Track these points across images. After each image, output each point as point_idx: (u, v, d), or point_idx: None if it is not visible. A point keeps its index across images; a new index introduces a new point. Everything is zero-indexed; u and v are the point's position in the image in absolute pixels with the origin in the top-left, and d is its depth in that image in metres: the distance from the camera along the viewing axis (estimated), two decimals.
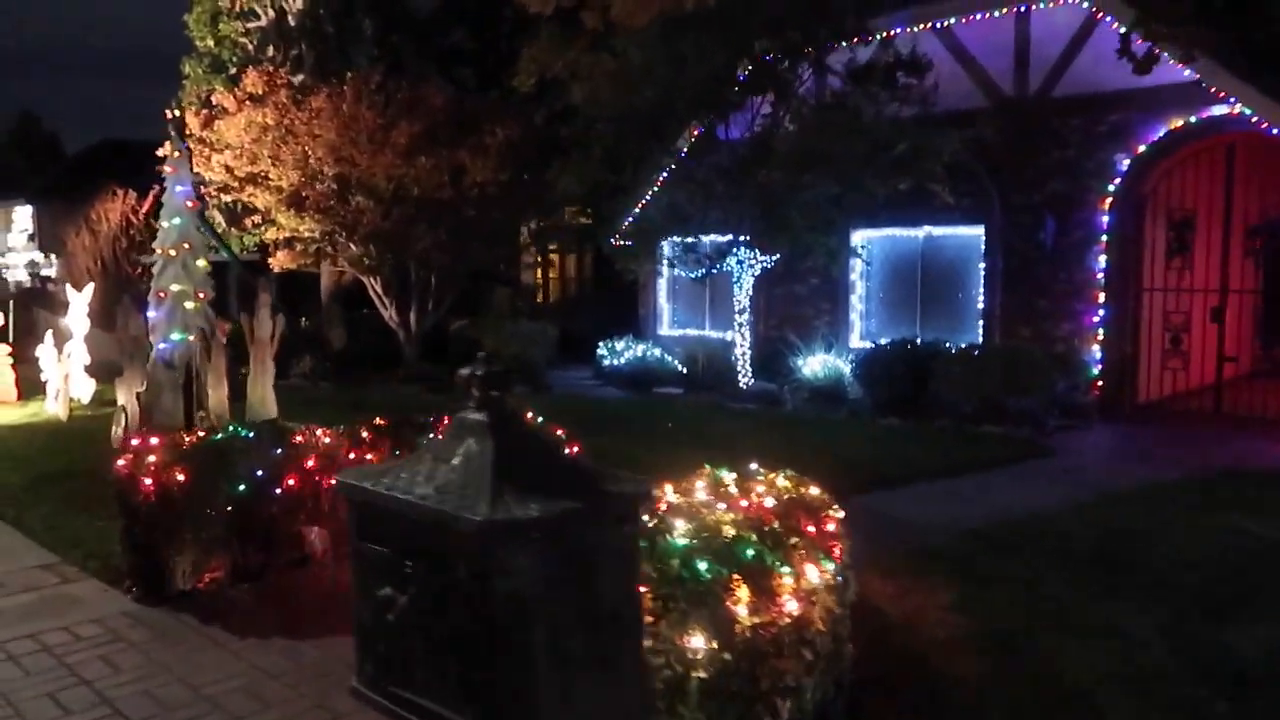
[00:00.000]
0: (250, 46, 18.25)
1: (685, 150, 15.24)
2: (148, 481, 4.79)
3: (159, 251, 9.84)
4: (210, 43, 17.85)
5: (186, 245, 9.63)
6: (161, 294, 9.72)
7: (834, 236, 14.03)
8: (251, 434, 5.07)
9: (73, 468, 8.29)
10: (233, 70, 17.92)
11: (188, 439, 5.06)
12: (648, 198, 16.39)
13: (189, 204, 9.75)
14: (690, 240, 14.88)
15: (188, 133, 15.80)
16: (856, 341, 15.24)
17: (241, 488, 4.93)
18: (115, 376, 9.55)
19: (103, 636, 4.53)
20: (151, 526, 4.85)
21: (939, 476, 8.53)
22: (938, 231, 14.45)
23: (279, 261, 15.38)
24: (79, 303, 11.66)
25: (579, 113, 13.91)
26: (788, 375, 14.19)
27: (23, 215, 27.58)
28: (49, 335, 11.82)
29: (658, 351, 16.69)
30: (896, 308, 15.23)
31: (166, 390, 9.35)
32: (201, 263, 9.63)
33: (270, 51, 18.11)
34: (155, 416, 9.17)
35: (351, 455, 5.30)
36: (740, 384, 14.86)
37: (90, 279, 14.98)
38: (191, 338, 9.44)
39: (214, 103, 15.45)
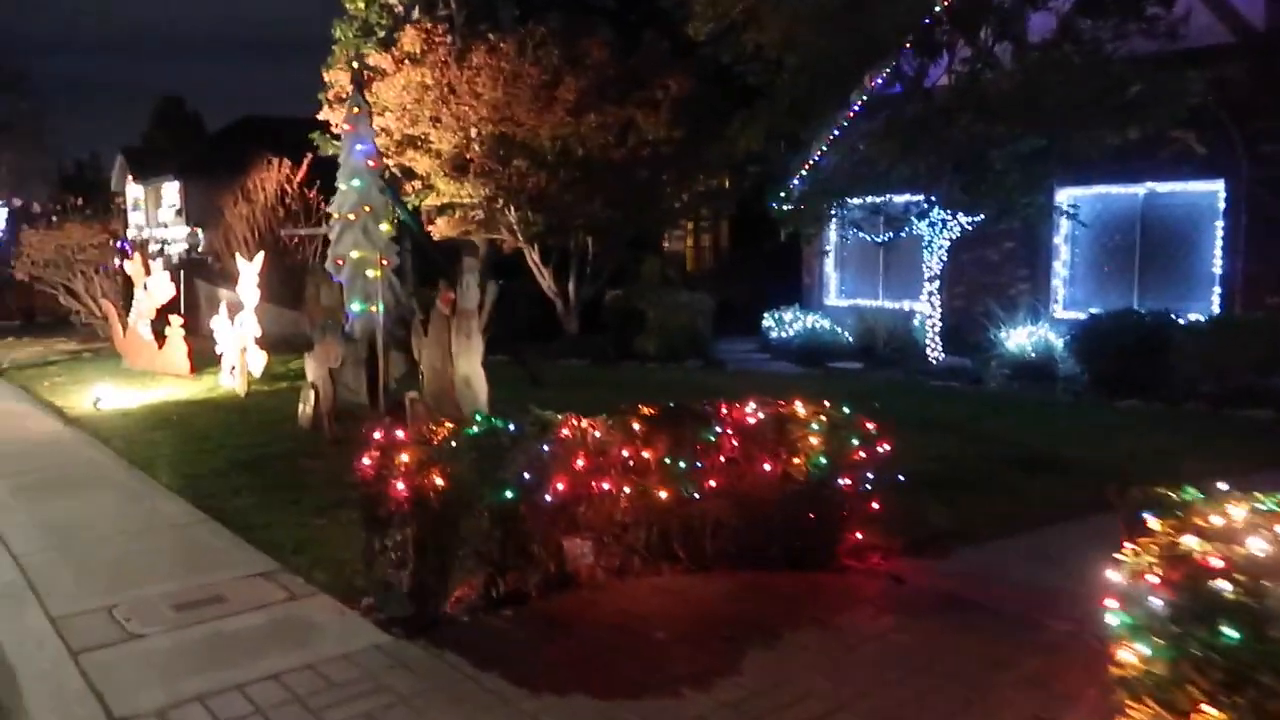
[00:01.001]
0: (399, 8, 17.62)
1: (869, 100, 13.89)
2: (400, 486, 3.91)
3: (336, 216, 9.14)
4: (360, 4, 17.27)
5: (367, 208, 8.87)
6: (340, 261, 9.04)
7: (1041, 194, 12.55)
8: (516, 427, 4.15)
9: (266, 451, 7.62)
10: (381, 34, 17.35)
11: (440, 432, 4.15)
12: (819, 155, 15.09)
13: (369, 164, 8.97)
14: (877, 200, 13.55)
15: (340, 95, 15.21)
16: (1061, 312, 13.72)
17: (509, 493, 4.01)
18: (305, 350, 8.90)
19: (360, 682, 3.62)
20: (405, 540, 3.96)
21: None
22: (1162, 188, 12.79)
23: (438, 230, 14.67)
24: (249, 273, 11.12)
25: (758, 60, 12.61)
26: (985, 349, 12.80)
27: (171, 191, 28.06)
28: (223, 308, 11.35)
29: (827, 323, 15.43)
30: (1108, 274, 13.63)
31: (348, 365, 8.69)
32: (385, 227, 8.86)
33: (417, 14, 17.48)
34: (338, 393, 8.53)
35: (625, 453, 4.34)
36: (928, 358, 13.52)
37: (247, 249, 14.58)
38: (374, 308, 8.72)
39: (370, 64, 14.82)
